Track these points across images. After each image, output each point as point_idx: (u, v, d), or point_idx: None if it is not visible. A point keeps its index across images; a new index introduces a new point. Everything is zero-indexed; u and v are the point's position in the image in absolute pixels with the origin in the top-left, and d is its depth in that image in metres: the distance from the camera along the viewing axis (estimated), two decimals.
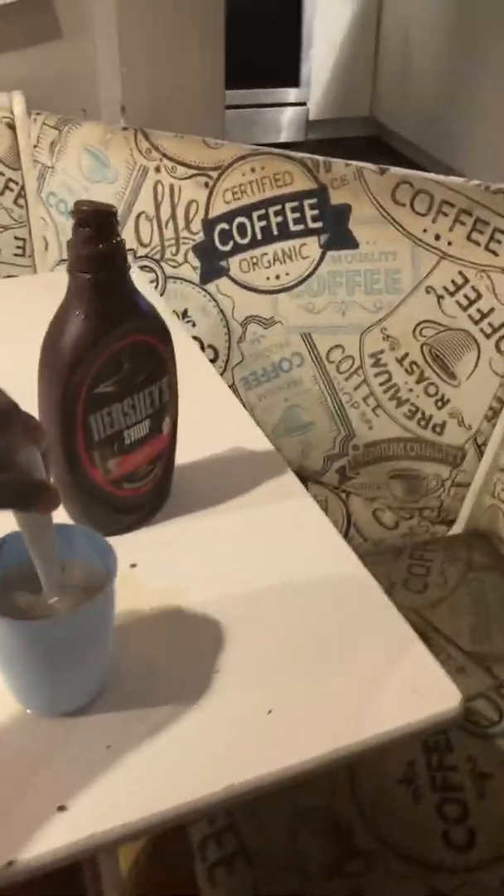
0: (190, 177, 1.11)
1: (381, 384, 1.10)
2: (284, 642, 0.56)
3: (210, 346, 1.19)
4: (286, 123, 4.05)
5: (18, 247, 1.25)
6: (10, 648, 0.48)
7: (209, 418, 0.78)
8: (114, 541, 0.51)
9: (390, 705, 0.51)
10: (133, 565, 0.61)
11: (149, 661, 0.54)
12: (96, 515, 0.63)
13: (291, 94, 3.96)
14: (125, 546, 0.53)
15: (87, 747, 0.49)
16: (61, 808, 0.46)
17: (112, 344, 0.57)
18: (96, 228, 0.54)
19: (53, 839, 0.44)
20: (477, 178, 1.01)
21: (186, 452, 0.69)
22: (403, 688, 0.52)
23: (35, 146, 1.19)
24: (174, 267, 1.17)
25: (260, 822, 0.77)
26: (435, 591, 0.99)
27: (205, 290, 1.16)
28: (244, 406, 0.89)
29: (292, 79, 3.91)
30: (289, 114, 4.02)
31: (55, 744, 0.49)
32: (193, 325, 1.19)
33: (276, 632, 0.57)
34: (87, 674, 0.50)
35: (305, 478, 1.17)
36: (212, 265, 1.15)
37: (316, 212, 1.06)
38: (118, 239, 0.55)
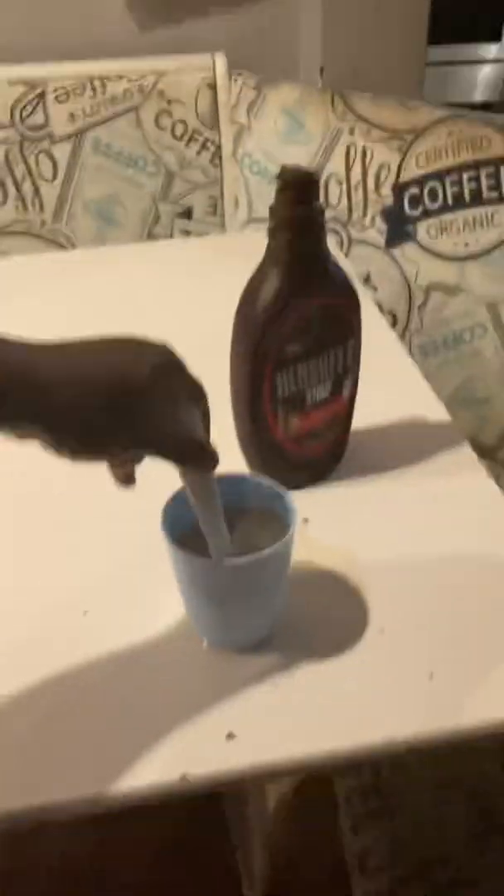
0: (384, 140, 1.10)
1: None
2: (448, 611, 0.57)
3: (390, 311, 1.19)
4: (483, 81, 3.87)
5: (211, 205, 1.29)
6: (196, 584, 0.52)
7: (387, 384, 0.78)
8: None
9: None
10: (305, 520, 0.63)
11: (317, 612, 0.57)
12: (274, 470, 0.65)
13: (492, 49, 3.77)
14: (299, 502, 0.55)
15: (257, 683, 0.52)
16: (230, 736, 0.49)
17: (304, 306, 0.59)
18: (297, 193, 0.55)
19: (222, 761, 0.48)
20: None
21: (363, 416, 0.71)
22: None
23: (234, 106, 1.22)
24: (360, 230, 1.17)
25: (406, 782, 0.79)
26: None
27: (390, 255, 1.16)
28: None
29: (494, 33, 3.72)
30: (486, 71, 3.84)
31: (227, 676, 0.53)
32: (375, 289, 1.19)
33: (439, 600, 0.58)
34: (262, 614, 0.54)
35: (479, 453, 1.15)
36: (399, 230, 1.14)
37: None
38: (317, 204, 0.56)
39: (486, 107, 3.88)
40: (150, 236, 1.30)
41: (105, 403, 0.42)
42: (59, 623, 0.57)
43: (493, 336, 1.10)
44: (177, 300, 0.98)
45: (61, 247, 1.30)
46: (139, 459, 0.48)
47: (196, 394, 0.48)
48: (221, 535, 0.51)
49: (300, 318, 0.59)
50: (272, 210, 0.57)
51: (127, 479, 0.50)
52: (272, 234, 0.57)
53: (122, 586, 0.59)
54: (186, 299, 0.98)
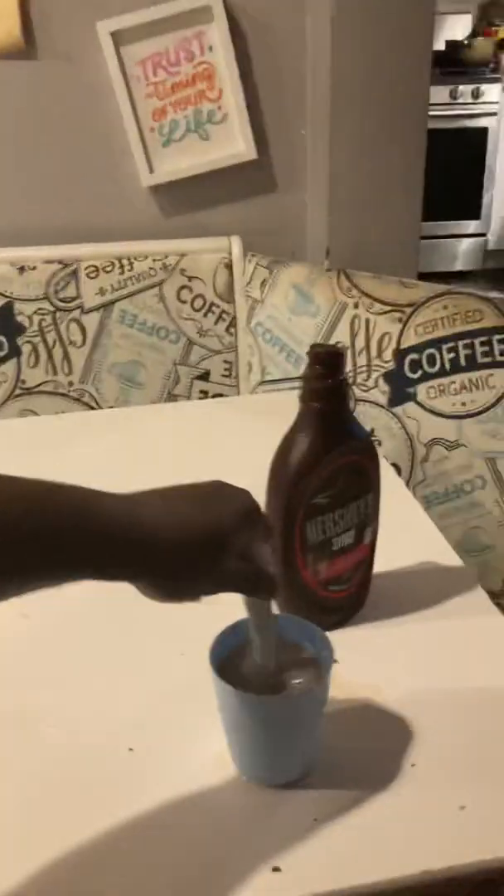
0: (385, 312, 1.23)
1: None
2: (473, 746, 0.61)
3: (394, 465, 1.26)
4: (463, 253, 4.19)
5: (226, 369, 1.40)
6: (239, 719, 0.56)
7: (401, 531, 0.84)
8: None
9: None
10: (335, 661, 0.67)
11: (350, 748, 0.60)
12: (304, 613, 0.71)
13: (471, 225, 4.12)
14: None
15: (297, 817, 0.55)
16: (276, 869, 0.52)
17: (331, 463, 0.66)
18: (327, 367, 0.64)
19: (270, 894, 0.50)
20: None
21: (382, 561, 0.76)
22: None
23: (248, 283, 1.36)
24: (364, 391, 1.27)
25: None
26: None
27: (392, 413, 1.25)
28: None
29: (473, 212, 4.07)
30: (466, 244, 4.17)
31: (269, 811, 0.56)
32: (379, 443, 1.27)
33: (465, 735, 0.61)
34: (301, 751, 0.57)
35: None
36: (400, 391, 1.24)
37: None
38: (344, 376, 0.64)
39: (466, 274, 4.19)
40: (170, 396, 1.40)
41: (199, 549, 0.47)
42: (107, 761, 0.60)
43: (493, 487, 1.18)
44: (199, 455, 1.05)
45: (87, 405, 1.39)
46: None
47: (267, 532, 0.54)
48: (271, 655, 0.56)
49: (327, 473, 0.66)
50: (304, 380, 0.65)
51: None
52: (303, 400, 0.66)
53: (165, 722, 0.63)
54: (208, 454, 1.06)
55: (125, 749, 0.61)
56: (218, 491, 0.51)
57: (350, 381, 1.27)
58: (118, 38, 1.27)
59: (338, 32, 1.30)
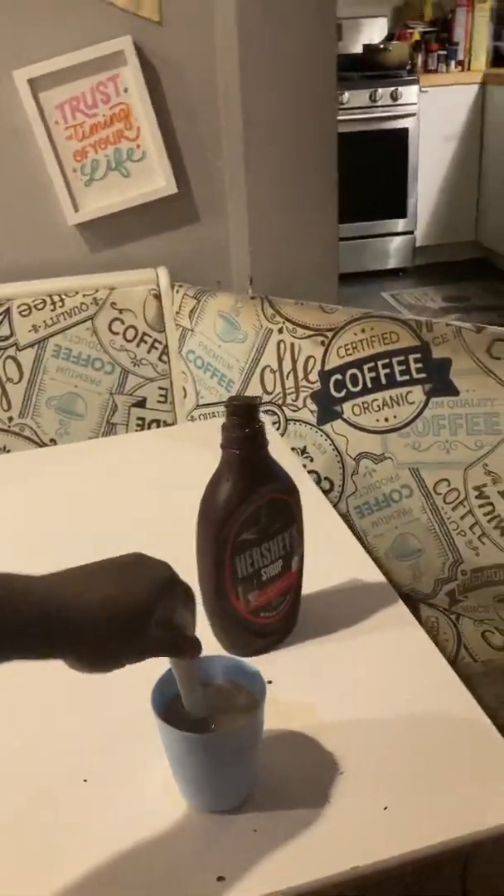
0: (308, 336, 1.29)
1: (486, 514, 1.20)
2: (398, 754, 0.67)
3: (326, 479, 1.34)
4: (394, 251, 4.31)
5: (161, 395, 1.46)
6: (181, 756, 0.61)
7: (327, 551, 0.91)
8: (252, 661, 0.64)
9: (487, 809, 0.62)
10: (269, 682, 0.74)
11: (287, 763, 0.66)
12: (237, 639, 0.77)
13: (399, 224, 4.23)
14: (261, 666, 0.66)
15: (239, 833, 0.61)
16: (220, 879, 0.58)
17: (254, 502, 0.73)
18: (243, 417, 0.70)
19: None
20: None
21: (310, 583, 0.83)
22: (498, 794, 0.63)
23: (177, 312, 1.41)
24: (294, 411, 1.34)
25: None
26: None
27: (321, 430, 1.32)
28: (358, 533, 1.02)
29: (399, 210, 4.19)
30: (396, 242, 4.28)
31: (213, 831, 0.62)
32: (311, 460, 1.34)
33: (391, 745, 0.68)
34: (240, 780, 0.63)
35: (417, 600, 1.28)
36: (327, 409, 1.31)
37: (420, 365, 1.21)
38: (259, 424, 0.71)
39: (398, 272, 4.31)
40: (109, 424, 1.45)
41: (122, 625, 0.52)
42: (63, 789, 0.65)
43: (419, 495, 1.25)
44: (141, 489, 1.11)
45: (28, 439, 1.43)
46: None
47: (187, 598, 0.59)
48: (199, 705, 0.62)
49: (251, 512, 0.73)
50: (224, 429, 0.71)
51: None
52: (225, 448, 0.72)
53: (117, 754, 0.68)
54: (149, 486, 1.11)
55: (80, 779, 0.66)
56: (137, 565, 0.56)
57: (280, 402, 1.35)
58: (35, 85, 1.31)
59: (245, 69, 1.36)
